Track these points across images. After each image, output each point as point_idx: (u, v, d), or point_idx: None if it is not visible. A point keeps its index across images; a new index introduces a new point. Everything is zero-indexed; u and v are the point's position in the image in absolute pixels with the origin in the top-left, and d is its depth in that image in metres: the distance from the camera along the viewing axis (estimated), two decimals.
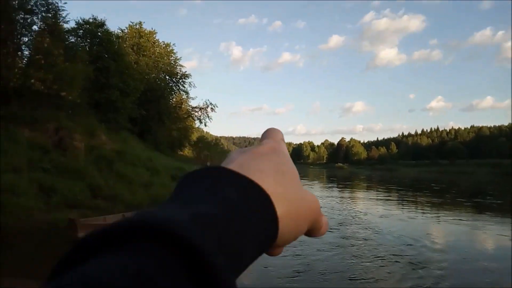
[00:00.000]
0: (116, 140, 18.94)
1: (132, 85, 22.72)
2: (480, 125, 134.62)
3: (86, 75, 17.74)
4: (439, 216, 14.57)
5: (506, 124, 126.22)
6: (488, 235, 10.81)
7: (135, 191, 14.15)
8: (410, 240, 9.58)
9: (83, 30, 21.40)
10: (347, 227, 11.47)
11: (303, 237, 0.32)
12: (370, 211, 15.45)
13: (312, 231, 0.32)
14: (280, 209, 0.27)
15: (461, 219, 13.45)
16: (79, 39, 21.34)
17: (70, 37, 19.76)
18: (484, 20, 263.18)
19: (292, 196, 0.29)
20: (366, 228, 11.25)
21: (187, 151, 37.38)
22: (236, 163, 0.30)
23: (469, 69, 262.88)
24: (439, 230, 11.83)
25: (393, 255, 8.04)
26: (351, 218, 13.44)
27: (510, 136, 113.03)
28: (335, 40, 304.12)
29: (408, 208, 16.95)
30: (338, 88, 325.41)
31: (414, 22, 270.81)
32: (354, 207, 17.15)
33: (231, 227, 0.23)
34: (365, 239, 9.64)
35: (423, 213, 15.53)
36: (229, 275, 0.19)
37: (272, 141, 0.34)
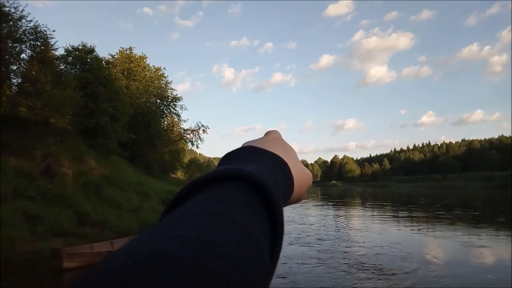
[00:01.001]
0: (106, 165, 18.88)
1: (122, 110, 22.81)
2: (471, 139, 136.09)
3: (75, 101, 17.83)
4: (434, 232, 14.63)
5: (496, 137, 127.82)
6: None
7: (123, 217, 14.06)
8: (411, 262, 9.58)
9: (72, 57, 21.60)
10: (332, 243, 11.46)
11: None
12: (361, 228, 15.46)
13: (301, 197, 0.44)
14: (292, 172, 0.39)
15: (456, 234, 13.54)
16: (68, 65, 21.52)
17: (59, 64, 19.93)
18: (471, 35, 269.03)
19: (297, 166, 0.42)
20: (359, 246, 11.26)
21: (180, 174, 37.27)
22: (256, 144, 0.42)
23: (458, 83, 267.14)
24: (442, 251, 11.84)
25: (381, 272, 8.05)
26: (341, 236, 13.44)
27: (500, 149, 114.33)
28: (326, 59, 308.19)
29: (403, 225, 16.98)
30: (329, 106, 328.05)
31: (402, 40, 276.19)
32: (347, 225, 17.13)
33: (273, 178, 0.33)
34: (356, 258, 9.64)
35: (419, 229, 15.56)
36: (281, 201, 0.30)
37: (273, 134, 0.48)
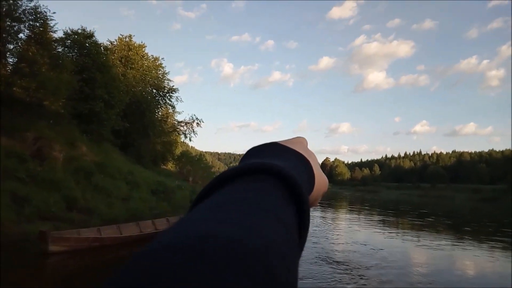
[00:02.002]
0: (97, 152, 18.81)
1: (117, 97, 22.69)
2: (462, 150, 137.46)
3: (71, 85, 17.72)
4: (419, 239, 14.83)
5: (486, 150, 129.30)
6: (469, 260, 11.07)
7: (112, 205, 14.05)
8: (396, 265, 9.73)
9: (70, 40, 21.41)
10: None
11: None
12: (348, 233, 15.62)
13: (316, 200, 0.45)
14: (314, 172, 0.42)
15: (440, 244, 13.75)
16: (66, 49, 21.33)
17: (57, 47, 19.76)
18: (471, 48, 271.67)
19: (317, 169, 0.43)
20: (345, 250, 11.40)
21: (170, 165, 37.17)
22: (282, 142, 0.44)
23: (454, 95, 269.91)
24: (424, 256, 12.02)
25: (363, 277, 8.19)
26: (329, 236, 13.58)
27: (489, 163, 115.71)
28: (326, 61, 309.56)
29: (389, 231, 17.19)
30: (325, 108, 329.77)
31: (403, 48, 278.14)
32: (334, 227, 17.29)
33: (299, 175, 0.35)
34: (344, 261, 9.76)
35: (404, 235, 15.80)
36: (307, 195, 0.32)
37: (298, 138, 0.49)
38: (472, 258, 11.80)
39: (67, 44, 21.26)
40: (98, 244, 8.51)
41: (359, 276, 8.48)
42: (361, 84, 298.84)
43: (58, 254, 7.60)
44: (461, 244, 14.48)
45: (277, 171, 0.31)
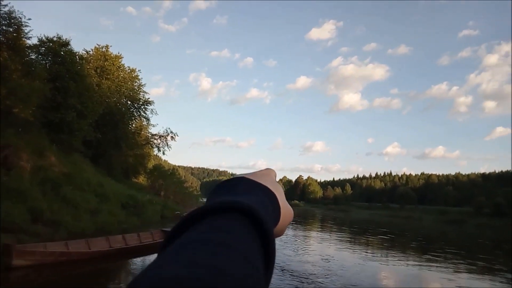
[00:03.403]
0: (66, 163, 18.27)
1: (91, 107, 22.25)
2: (430, 173, 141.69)
3: (42, 93, 17.25)
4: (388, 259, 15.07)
5: (453, 173, 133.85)
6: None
7: (80, 218, 13.62)
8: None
9: (45, 48, 20.96)
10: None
11: None
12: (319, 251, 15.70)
13: (282, 231, 0.48)
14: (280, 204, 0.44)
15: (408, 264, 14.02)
16: (40, 56, 20.85)
17: (30, 54, 19.29)
18: (442, 75, 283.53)
19: (283, 201, 0.45)
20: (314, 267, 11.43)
21: (142, 179, 36.48)
22: (250, 176, 0.45)
23: (424, 119, 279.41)
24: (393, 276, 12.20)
25: None
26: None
27: (456, 185, 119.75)
28: (303, 81, 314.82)
29: (359, 250, 17.40)
30: (301, 126, 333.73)
31: (378, 71, 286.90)
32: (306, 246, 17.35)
33: (265, 210, 0.37)
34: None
35: (373, 255, 16.04)
36: (272, 232, 0.33)
37: (266, 170, 0.52)
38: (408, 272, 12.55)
39: (41, 51, 20.79)
40: (65, 259, 8.19)
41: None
42: (336, 105, 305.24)
43: (22, 269, 7.26)
44: (405, 260, 15.20)
45: (244, 208, 0.32)
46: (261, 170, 0.51)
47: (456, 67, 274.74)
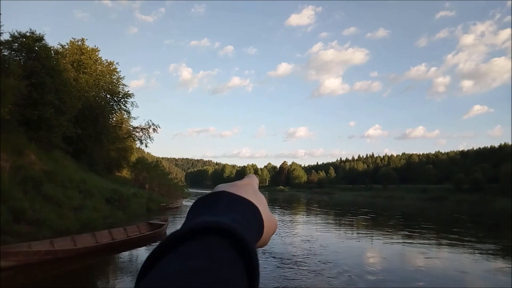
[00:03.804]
0: (47, 160, 18.04)
1: (69, 103, 21.86)
2: (411, 153, 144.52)
3: (18, 90, 16.87)
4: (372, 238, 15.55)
5: (433, 152, 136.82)
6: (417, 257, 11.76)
7: (64, 215, 13.56)
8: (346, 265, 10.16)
9: (18, 44, 20.38)
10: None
11: None
12: (306, 234, 16.06)
13: (266, 240, 0.48)
14: (263, 217, 0.43)
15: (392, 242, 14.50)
16: (13, 52, 20.29)
17: (2, 50, 18.77)
18: (420, 56, 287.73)
19: (267, 213, 0.45)
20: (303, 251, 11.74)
21: (125, 172, 36.19)
22: (231, 189, 0.44)
23: (404, 100, 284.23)
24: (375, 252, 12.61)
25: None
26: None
27: (436, 164, 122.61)
28: (284, 67, 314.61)
29: (344, 230, 17.86)
30: (283, 113, 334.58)
31: (358, 55, 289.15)
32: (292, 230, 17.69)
33: (248, 227, 0.37)
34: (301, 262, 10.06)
35: (358, 234, 16.52)
36: (255, 251, 0.32)
37: (248, 179, 0.52)
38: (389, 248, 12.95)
39: (14, 47, 20.22)
40: (51, 257, 8.21)
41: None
42: (317, 90, 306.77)
43: (7, 270, 7.26)
44: (389, 238, 15.49)
45: (224, 229, 0.31)
46: (242, 180, 0.51)
47: (434, 48, 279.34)
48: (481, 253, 12.82)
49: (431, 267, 10.56)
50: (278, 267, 9.56)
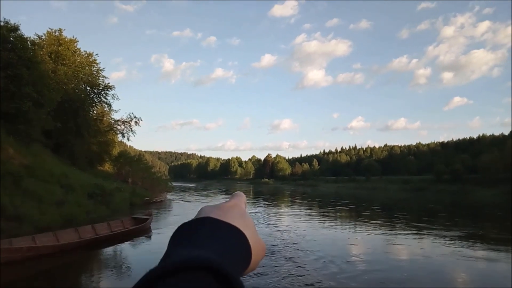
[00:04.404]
0: (26, 154, 17.53)
1: (48, 95, 21.24)
2: (392, 144, 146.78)
3: None
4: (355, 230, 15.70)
5: (414, 143, 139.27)
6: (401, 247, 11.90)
7: (45, 210, 13.19)
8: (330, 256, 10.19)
9: None
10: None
11: None
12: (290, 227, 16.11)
13: (256, 264, 0.45)
14: (251, 244, 0.40)
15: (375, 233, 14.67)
16: None
17: None
18: (402, 48, 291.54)
19: (254, 238, 0.42)
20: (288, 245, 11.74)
21: (108, 166, 35.60)
22: (215, 214, 0.41)
23: (386, 92, 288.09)
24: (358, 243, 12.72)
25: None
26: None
27: (417, 155, 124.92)
28: (268, 59, 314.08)
29: (328, 222, 18.00)
30: (268, 105, 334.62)
31: (341, 47, 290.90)
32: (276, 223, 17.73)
33: (233, 257, 0.35)
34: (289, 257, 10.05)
35: (342, 227, 16.66)
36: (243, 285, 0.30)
37: (235, 200, 0.48)
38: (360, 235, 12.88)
39: None
40: (34, 254, 7.95)
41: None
42: (301, 82, 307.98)
43: None
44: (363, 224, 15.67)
45: (209, 265, 0.29)
46: (229, 201, 0.48)
47: (415, 40, 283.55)
48: (460, 241, 13.12)
49: (413, 255, 10.72)
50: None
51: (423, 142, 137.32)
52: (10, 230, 10.53)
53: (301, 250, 10.93)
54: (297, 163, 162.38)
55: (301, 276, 8.05)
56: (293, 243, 12.08)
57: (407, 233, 15.03)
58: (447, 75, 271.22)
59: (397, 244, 12.50)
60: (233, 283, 0.29)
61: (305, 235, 13.82)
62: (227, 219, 0.40)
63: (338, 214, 24.29)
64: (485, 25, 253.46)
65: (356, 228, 16.90)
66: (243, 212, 0.45)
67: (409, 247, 12.10)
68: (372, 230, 16.18)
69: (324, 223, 18.56)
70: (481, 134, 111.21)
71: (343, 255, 10.56)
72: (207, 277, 0.29)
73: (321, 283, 7.61)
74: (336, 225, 17.83)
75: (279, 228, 15.72)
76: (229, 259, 0.34)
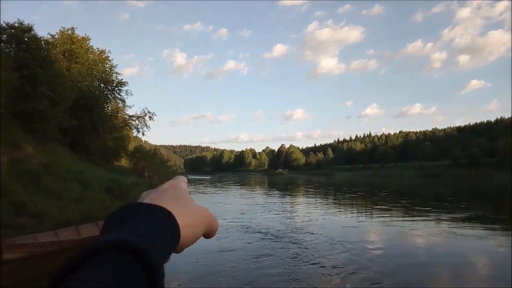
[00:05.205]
0: (44, 152, 17.94)
1: (63, 94, 21.63)
2: (408, 131, 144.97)
3: (9, 83, 16.65)
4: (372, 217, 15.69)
5: (430, 129, 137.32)
6: (418, 234, 11.87)
7: (65, 207, 13.52)
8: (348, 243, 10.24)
9: (7, 35, 20.04)
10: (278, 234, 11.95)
11: None
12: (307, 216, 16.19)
13: (208, 235, 0.49)
14: (181, 221, 0.43)
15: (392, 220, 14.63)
16: (2, 44, 19.96)
17: None
18: (416, 32, 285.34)
19: (187, 211, 0.46)
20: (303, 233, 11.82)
21: (124, 162, 36.16)
22: (147, 199, 0.45)
23: (401, 78, 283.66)
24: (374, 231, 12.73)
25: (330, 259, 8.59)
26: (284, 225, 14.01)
27: (433, 140, 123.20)
28: (279, 49, 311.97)
29: (344, 212, 18.02)
30: (280, 96, 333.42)
31: (353, 33, 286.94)
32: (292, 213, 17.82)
33: (155, 237, 0.37)
34: (304, 245, 10.13)
35: (358, 215, 16.68)
36: (160, 265, 0.33)
37: (171, 182, 0.52)
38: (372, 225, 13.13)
39: (3, 39, 19.89)
40: (57, 248, 8.19)
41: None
42: (313, 71, 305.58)
43: (13, 262, 7.25)
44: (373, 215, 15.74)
45: (128, 246, 0.33)
46: (163, 185, 0.51)
47: (430, 23, 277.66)
48: (480, 228, 12.96)
49: (431, 243, 10.67)
50: (263, 239, 9.74)
51: (439, 128, 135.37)
52: (31, 227, 10.86)
53: (311, 234, 11.29)
54: (311, 152, 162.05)
55: (306, 259, 8.13)
56: (301, 229, 12.62)
57: (417, 219, 14.95)
58: (463, 58, 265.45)
59: (408, 230, 12.49)
60: (149, 261, 0.32)
61: (312, 222, 14.34)
62: (156, 201, 0.44)
63: (348, 202, 24.33)
64: (503, 4, 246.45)
65: (364, 215, 17.10)
66: (175, 193, 0.48)
67: (419, 232, 12.06)
68: (380, 216, 16.19)
69: (332, 210, 18.78)
70: (499, 117, 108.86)
71: (348, 239, 10.75)
72: (126, 256, 0.32)
73: (325, 265, 7.72)
74: (345, 212, 17.98)
75: (288, 216, 16.30)
76: (151, 239, 0.36)
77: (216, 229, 0.51)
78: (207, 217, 0.49)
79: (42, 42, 22.53)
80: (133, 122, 36.83)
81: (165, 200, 0.45)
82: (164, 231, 0.40)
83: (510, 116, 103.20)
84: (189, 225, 0.45)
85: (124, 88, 33.78)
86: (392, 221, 14.82)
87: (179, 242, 0.43)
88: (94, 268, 0.31)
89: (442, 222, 14.20)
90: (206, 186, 44.65)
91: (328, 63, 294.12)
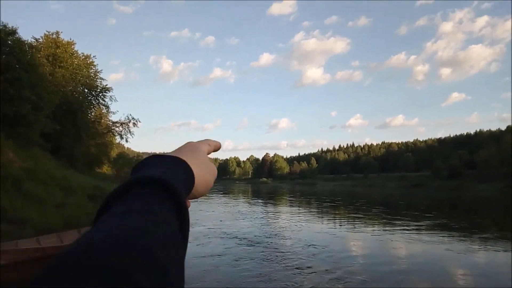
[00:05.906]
0: (26, 157, 17.58)
1: (46, 98, 21.30)
2: (390, 141, 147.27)
3: None
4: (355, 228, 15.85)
5: (412, 140, 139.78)
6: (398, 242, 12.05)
7: (46, 213, 13.27)
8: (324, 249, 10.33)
9: None
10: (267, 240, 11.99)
11: None
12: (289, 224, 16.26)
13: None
14: (195, 170, 0.50)
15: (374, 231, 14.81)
16: None
17: None
18: (400, 45, 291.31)
19: (201, 163, 0.54)
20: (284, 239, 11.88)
21: (106, 168, 35.65)
22: (168, 154, 0.52)
23: (385, 89, 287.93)
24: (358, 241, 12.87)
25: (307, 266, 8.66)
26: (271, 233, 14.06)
27: (414, 151, 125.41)
28: (266, 58, 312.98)
29: (326, 220, 18.16)
30: (266, 104, 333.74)
31: (339, 44, 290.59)
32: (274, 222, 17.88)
33: (177, 179, 0.43)
34: (282, 250, 10.18)
35: (340, 225, 16.84)
36: (183, 195, 0.41)
37: (192, 142, 0.61)
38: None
39: None
40: (39, 255, 8.06)
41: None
42: (299, 80, 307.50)
43: None
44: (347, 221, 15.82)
45: (156, 180, 0.38)
46: (180, 147, 0.59)
47: (414, 36, 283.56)
48: (459, 237, 13.27)
49: (412, 252, 10.88)
50: (242, 244, 9.77)
51: (421, 139, 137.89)
52: (12, 233, 10.61)
53: (288, 239, 11.71)
54: (295, 162, 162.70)
55: (283, 261, 8.21)
56: (279, 235, 13.16)
57: (396, 228, 15.20)
58: (445, 71, 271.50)
59: (386, 238, 12.75)
60: (175, 191, 0.38)
61: (291, 229, 14.91)
62: (175, 154, 0.52)
63: (328, 211, 24.70)
64: (483, 19, 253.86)
65: (343, 223, 17.54)
66: (190, 145, 0.58)
67: (397, 239, 12.35)
68: (359, 224, 16.57)
69: (311, 218, 19.34)
70: (478, 130, 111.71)
71: (324, 244, 11.22)
72: (156, 188, 0.38)
73: (300, 267, 7.81)
74: (323, 220, 18.60)
75: (268, 223, 16.95)
76: (172, 177, 0.42)
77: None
78: (211, 169, 0.58)
79: (26, 45, 22.21)
80: (117, 128, 36.45)
81: (179, 153, 0.53)
82: (181, 175, 0.46)
83: (489, 129, 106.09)
84: (201, 173, 0.52)
85: (109, 94, 33.45)
86: (371, 229, 15.10)
87: (193, 188, 0.49)
88: (133, 196, 0.37)
89: (421, 231, 14.49)
90: None
91: (314, 73, 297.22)
